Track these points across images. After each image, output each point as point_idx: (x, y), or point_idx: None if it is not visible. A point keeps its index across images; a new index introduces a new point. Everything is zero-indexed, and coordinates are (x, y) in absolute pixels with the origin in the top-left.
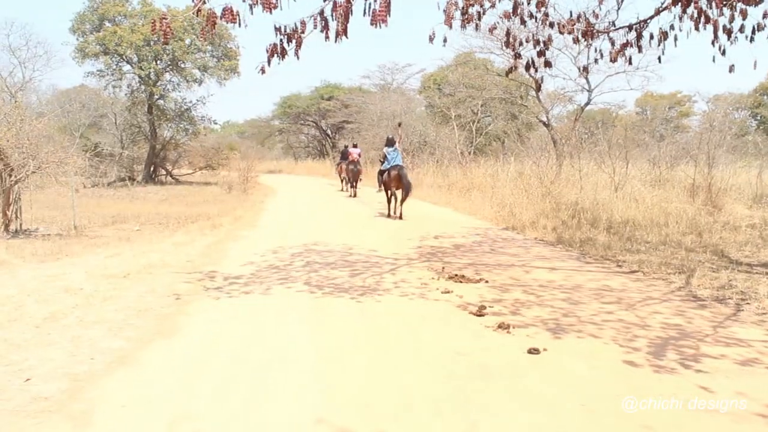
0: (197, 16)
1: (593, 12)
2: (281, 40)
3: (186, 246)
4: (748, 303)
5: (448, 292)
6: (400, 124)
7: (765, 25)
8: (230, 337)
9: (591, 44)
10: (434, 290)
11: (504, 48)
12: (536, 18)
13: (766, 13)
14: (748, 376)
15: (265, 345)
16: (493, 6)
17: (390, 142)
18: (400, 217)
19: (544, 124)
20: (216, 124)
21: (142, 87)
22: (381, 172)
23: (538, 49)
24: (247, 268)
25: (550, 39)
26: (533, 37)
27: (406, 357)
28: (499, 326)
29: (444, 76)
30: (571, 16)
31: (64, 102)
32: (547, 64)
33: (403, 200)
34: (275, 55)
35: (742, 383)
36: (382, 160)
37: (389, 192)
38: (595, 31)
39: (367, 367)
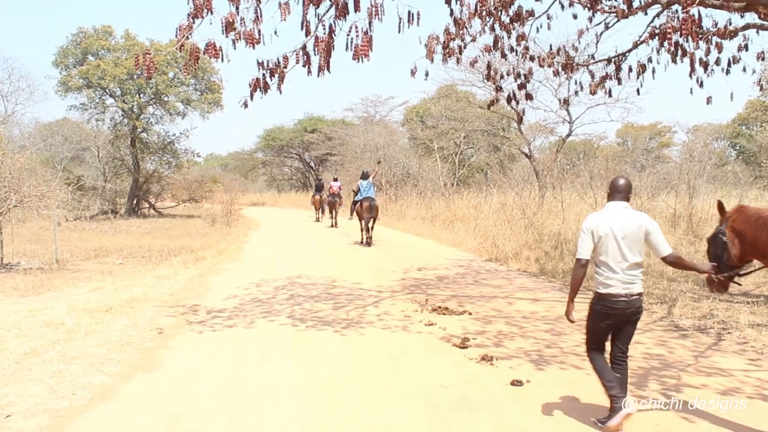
0: (180, 50)
1: (573, 45)
2: (264, 74)
3: (169, 279)
4: (729, 332)
5: (432, 324)
6: (379, 162)
7: (740, 58)
8: (213, 371)
9: (571, 77)
10: (417, 322)
11: (485, 81)
12: (517, 51)
13: (740, 47)
14: (729, 406)
15: (249, 379)
16: (473, 40)
17: (364, 176)
18: (369, 244)
19: (526, 155)
20: (199, 156)
21: (125, 120)
22: (354, 203)
23: (519, 81)
24: (230, 301)
25: (530, 72)
26: (514, 71)
27: (389, 390)
28: (483, 358)
29: (427, 108)
30: (551, 49)
31: (46, 135)
32: (528, 96)
33: (371, 227)
34: (258, 89)
35: (723, 412)
36: (356, 191)
37: (362, 221)
38: (574, 64)
39: (350, 400)
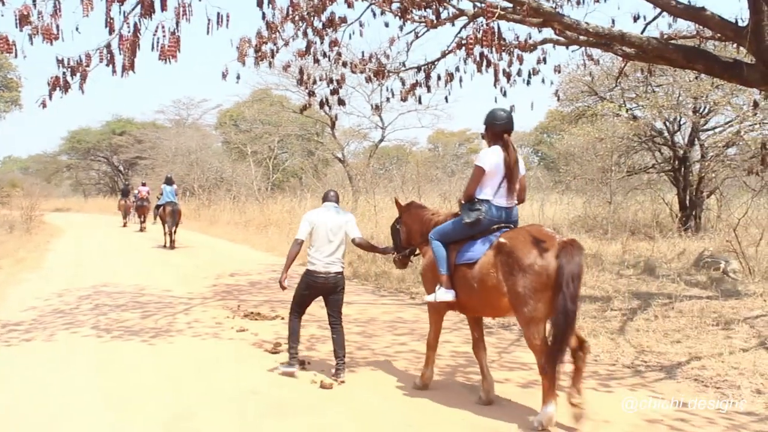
0: None
1: (384, 53)
2: (64, 73)
3: None
4: None
5: (243, 330)
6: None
7: (539, 70)
8: (6, 389)
9: (383, 83)
10: (229, 329)
11: (299, 85)
12: (329, 57)
13: (539, 60)
14: (529, 398)
15: (47, 395)
16: (286, 44)
17: (168, 181)
18: (173, 247)
19: (340, 160)
20: None
21: None
22: (158, 207)
23: (331, 87)
24: (28, 313)
25: (343, 78)
26: (327, 76)
27: (200, 399)
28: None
29: (240, 112)
30: (363, 56)
31: None
32: (341, 102)
33: (174, 230)
34: (58, 88)
35: (523, 404)
36: (159, 196)
37: (165, 225)
38: (386, 71)
39: (159, 411)
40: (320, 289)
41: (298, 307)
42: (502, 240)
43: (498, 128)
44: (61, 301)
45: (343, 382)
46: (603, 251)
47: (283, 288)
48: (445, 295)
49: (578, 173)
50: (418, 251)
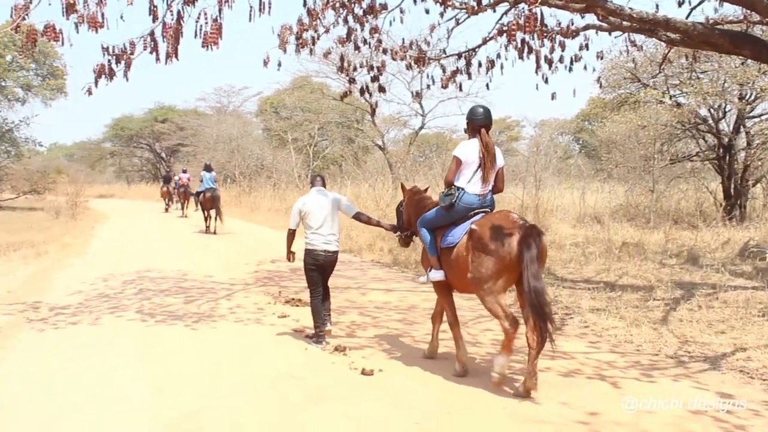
0: (16, 32)
1: (425, 39)
2: (109, 60)
3: (6, 276)
4: (571, 317)
5: (285, 316)
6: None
7: (581, 57)
8: (55, 371)
9: (423, 71)
10: (270, 315)
11: (339, 73)
12: (370, 44)
13: (582, 46)
14: (570, 387)
15: (93, 377)
16: (327, 32)
17: (207, 168)
18: (215, 233)
19: (380, 147)
20: (41, 146)
21: None
22: (197, 194)
23: (372, 74)
24: (75, 297)
25: (383, 65)
26: (367, 63)
27: (240, 383)
28: (336, 349)
29: (281, 99)
30: (403, 43)
31: None
32: (381, 89)
33: (217, 217)
34: (103, 75)
35: (564, 393)
36: (200, 182)
37: (205, 211)
38: (426, 58)
39: (201, 394)
40: (322, 265)
41: (313, 285)
42: (473, 227)
43: (476, 123)
44: (106, 286)
45: (329, 331)
46: (645, 240)
47: (291, 260)
48: (435, 275)
49: (620, 161)
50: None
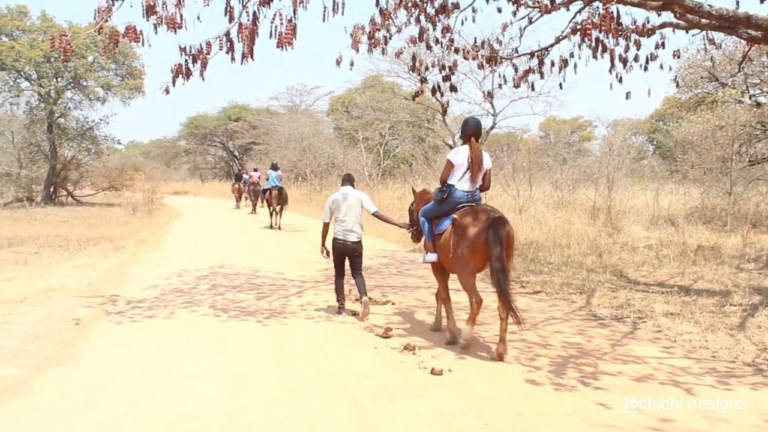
0: (99, 33)
1: (497, 39)
2: (186, 60)
3: (87, 269)
4: (644, 321)
5: (355, 314)
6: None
7: (657, 56)
8: (132, 363)
9: (495, 70)
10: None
11: (410, 72)
12: (442, 44)
13: (657, 45)
14: (643, 392)
15: (168, 369)
16: (399, 31)
17: (274, 167)
18: (279, 228)
19: (450, 147)
20: (120, 143)
21: (42, 105)
22: (264, 191)
23: (443, 73)
24: (150, 291)
25: (455, 64)
26: (439, 62)
27: (311, 379)
28: (405, 348)
29: (352, 98)
30: (475, 42)
31: None
32: (453, 88)
33: (280, 213)
34: (180, 75)
35: (637, 399)
36: (266, 180)
37: (271, 207)
38: (498, 57)
39: (272, 390)
40: (342, 251)
41: (337, 268)
42: (455, 216)
43: (468, 132)
44: (181, 281)
45: (370, 298)
46: (722, 244)
47: (324, 254)
48: (430, 257)
49: (696, 162)
50: None
